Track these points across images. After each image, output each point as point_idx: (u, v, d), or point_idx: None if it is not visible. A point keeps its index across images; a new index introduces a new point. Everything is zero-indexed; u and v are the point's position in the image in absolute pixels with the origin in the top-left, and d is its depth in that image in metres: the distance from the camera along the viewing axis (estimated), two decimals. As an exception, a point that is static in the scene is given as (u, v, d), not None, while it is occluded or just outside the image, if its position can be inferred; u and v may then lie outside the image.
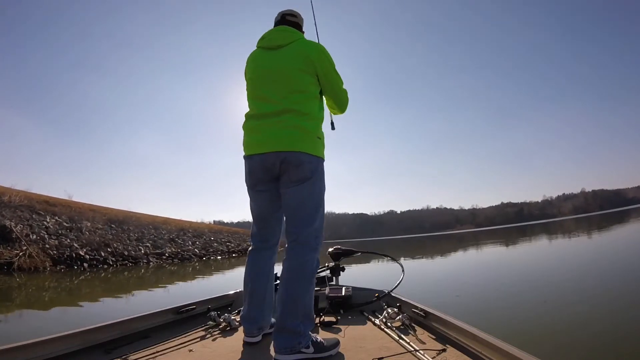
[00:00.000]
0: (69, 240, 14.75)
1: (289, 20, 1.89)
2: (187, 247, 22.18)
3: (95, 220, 20.40)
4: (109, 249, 15.33)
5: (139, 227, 23.34)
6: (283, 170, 1.65)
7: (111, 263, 14.19)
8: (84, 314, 5.73)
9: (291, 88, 1.66)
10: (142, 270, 13.26)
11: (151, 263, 16.25)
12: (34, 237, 13.61)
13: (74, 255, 13.13)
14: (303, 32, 1.94)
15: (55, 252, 12.96)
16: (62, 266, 12.33)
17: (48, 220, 17.16)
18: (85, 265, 13.04)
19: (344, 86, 1.85)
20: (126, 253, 15.85)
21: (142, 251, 17.46)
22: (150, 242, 20.28)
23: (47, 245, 13.12)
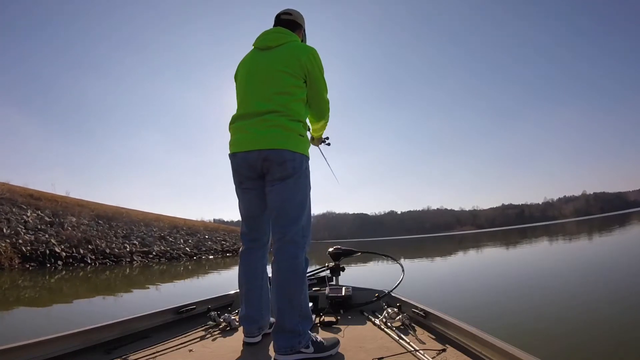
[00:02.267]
0: (47, 236, 13.88)
1: (284, 19, 1.89)
2: (177, 246, 21.31)
3: (81, 216, 19.55)
4: (90, 246, 14.41)
5: (128, 224, 22.46)
6: (266, 169, 1.64)
7: (89, 262, 13.21)
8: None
9: (277, 90, 1.66)
10: (125, 270, 12.33)
11: (135, 262, 15.26)
12: (8, 231, 12.76)
13: (47, 252, 12.21)
14: (303, 29, 1.96)
15: (29, 247, 12.07)
16: (32, 264, 11.42)
17: (29, 214, 16.31)
18: (60, 263, 12.13)
19: (327, 96, 1.83)
20: (108, 251, 14.89)
21: (128, 249, 16.55)
22: (139, 239, 19.40)
23: (20, 241, 12.22)
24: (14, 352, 1.32)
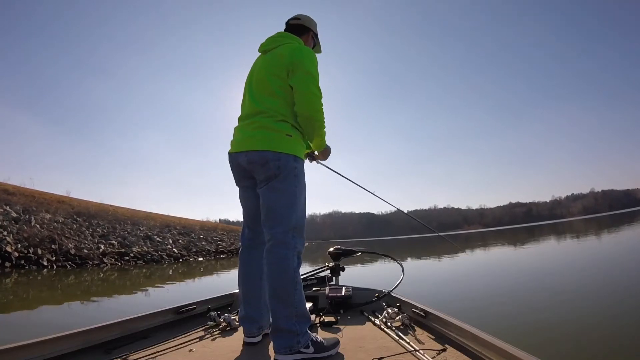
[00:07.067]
0: (5, 234, 12.31)
1: (290, 24, 1.93)
2: (164, 246, 19.69)
3: (57, 213, 18.04)
4: (53, 246, 12.79)
5: (112, 222, 20.90)
6: (252, 171, 1.67)
7: (46, 264, 11.54)
8: None
9: (265, 91, 1.69)
10: (86, 276, 10.69)
11: (105, 265, 13.53)
12: (-44, 229, 11.21)
13: (-4, 252, 10.59)
14: (312, 33, 1.95)
15: (-25, 247, 10.47)
16: (-29, 266, 9.81)
17: (-5, 210, 14.81)
18: (8, 265, 10.49)
19: (318, 91, 1.69)
20: (74, 252, 13.21)
21: (101, 250, 14.92)
22: (119, 239, 17.78)
23: (-35, 240, 10.64)
24: (14, 352, 1.31)
